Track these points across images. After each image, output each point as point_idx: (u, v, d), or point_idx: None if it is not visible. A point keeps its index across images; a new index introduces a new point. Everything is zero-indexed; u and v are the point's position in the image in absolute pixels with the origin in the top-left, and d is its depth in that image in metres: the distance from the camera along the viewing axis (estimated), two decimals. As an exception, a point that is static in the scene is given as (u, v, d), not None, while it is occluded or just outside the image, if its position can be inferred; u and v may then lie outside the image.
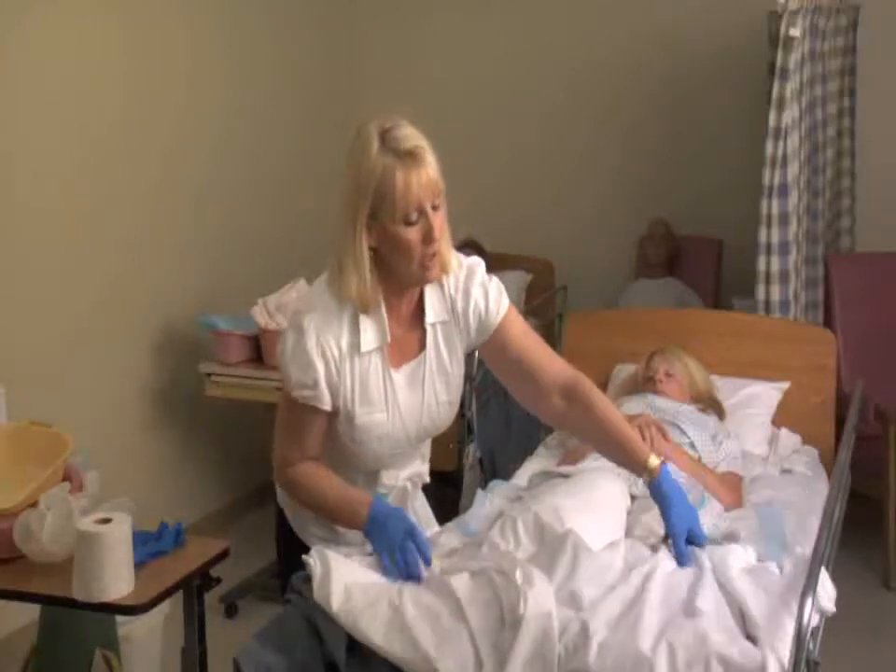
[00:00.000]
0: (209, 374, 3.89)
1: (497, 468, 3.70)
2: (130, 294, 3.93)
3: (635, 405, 3.05)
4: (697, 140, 5.02)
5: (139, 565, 2.11)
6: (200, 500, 4.37)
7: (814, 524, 2.56)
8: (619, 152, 5.16)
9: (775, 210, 3.67)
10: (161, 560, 2.20)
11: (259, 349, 3.88)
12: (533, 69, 5.26)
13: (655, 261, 4.95)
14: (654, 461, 2.08)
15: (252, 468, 4.58)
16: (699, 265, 4.98)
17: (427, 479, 2.29)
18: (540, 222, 5.29)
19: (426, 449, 2.28)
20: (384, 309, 1.97)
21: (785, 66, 3.63)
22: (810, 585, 1.87)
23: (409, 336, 2.04)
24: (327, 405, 1.99)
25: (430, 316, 2.04)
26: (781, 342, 3.41)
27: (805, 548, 2.29)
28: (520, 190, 5.34)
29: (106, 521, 2.06)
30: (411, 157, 1.82)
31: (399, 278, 1.95)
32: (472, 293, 2.06)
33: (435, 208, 1.88)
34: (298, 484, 2.08)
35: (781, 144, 3.65)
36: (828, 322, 4.20)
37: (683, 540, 2.06)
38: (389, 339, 1.99)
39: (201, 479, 4.40)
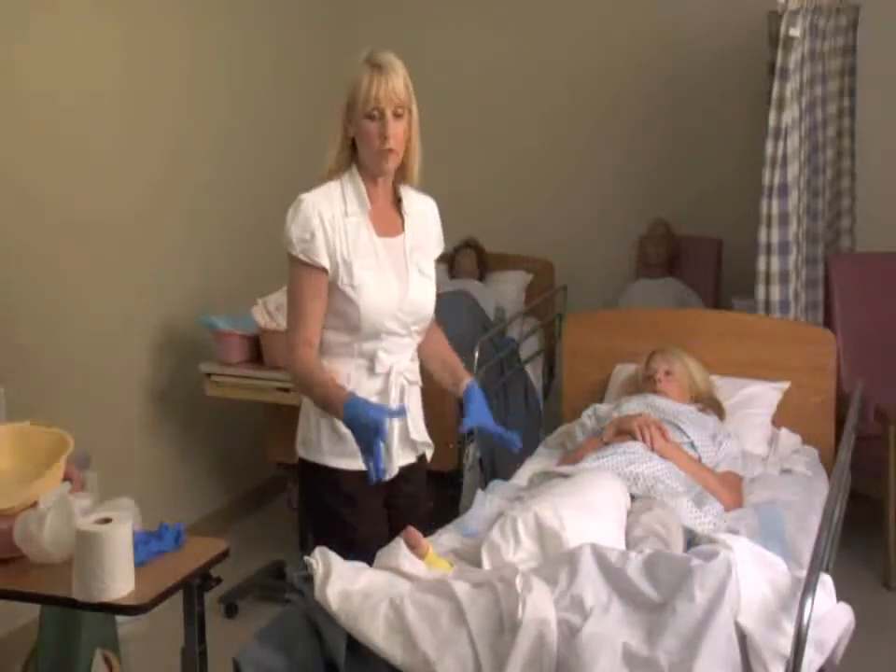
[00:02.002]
0: (209, 374, 3.89)
1: (496, 468, 3.70)
2: (130, 294, 3.93)
3: (635, 405, 3.05)
4: (697, 140, 5.02)
5: (139, 565, 2.11)
6: (200, 500, 4.37)
7: (814, 524, 2.56)
8: (619, 152, 5.16)
9: (775, 210, 3.66)
10: (161, 560, 2.19)
11: (259, 349, 3.88)
12: (533, 69, 5.26)
13: (655, 261, 4.95)
14: (468, 381, 2.52)
15: (252, 468, 4.58)
16: (699, 265, 4.97)
17: (419, 381, 2.52)
18: (540, 222, 5.29)
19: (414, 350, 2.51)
20: (362, 184, 2.38)
21: (785, 66, 3.63)
22: (810, 585, 1.88)
23: (391, 220, 2.44)
24: (324, 259, 2.32)
25: (407, 206, 2.46)
26: (781, 342, 3.41)
27: (805, 548, 2.30)
28: (520, 190, 5.34)
29: (106, 521, 2.06)
30: (379, 68, 2.31)
31: (365, 163, 2.37)
32: (437, 220, 2.55)
33: (397, 116, 2.31)
34: (301, 368, 2.32)
35: (781, 144, 3.65)
36: (828, 322, 4.20)
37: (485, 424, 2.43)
38: (370, 205, 2.38)
39: (201, 479, 4.40)
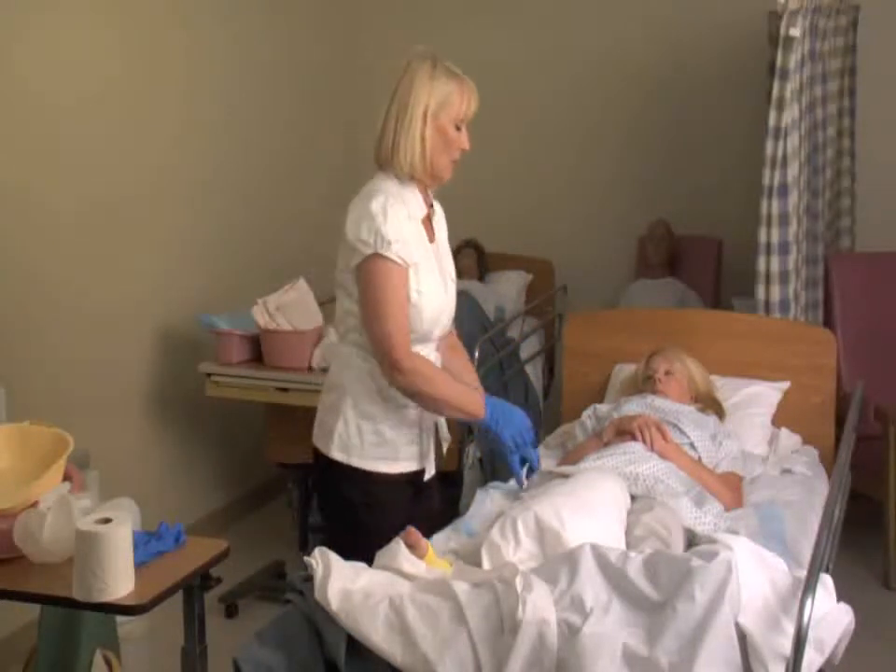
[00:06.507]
0: (209, 374, 3.89)
1: (496, 468, 3.70)
2: (130, 294, 3.92)
3: (635, 405, 3.04)
4: (697, 140, 5.02)
5: (139, 565, 2.11)
6: (200, 500, 4.37)
7: (814, 524, 2.56)
8: (619, 152, 5.16)
9: (775, 210, 3.67)
10: (161, 560, 2.19)
11: (259, 349, 3.88)
12: (533, 70, 5.26)
13: (655, 261, 4.95)
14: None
15: (252, 468, 4.58)
16: (699, 265, 4.98)
17: None
18: (540, 222, 5.29)
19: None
20: (418, 190, 2.39)
21: (785, 66, 3.63)
22: (810, 585, 1.88)
23: (430, 227, 2.46)
24: (410, 259, 2.31)
25: (437, 215, 2.51)
26: (781, 342, 3.41)
27: (805, 548, 2.30)
28: (520, 190, 5.34)
29: (106, 521, 2.06)
30: (468, 84, 2.37)
31: (429, 169, 2.36)
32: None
33: (467, 127, 2.38)
34: (421, 373, 2.30)
35: (781, 144, 3.65)
36: (828, 322, 4.20)
37: (517, 459, 2.43)
38: (426, 211, 2.41)
39: (201, 479, 4.40)
